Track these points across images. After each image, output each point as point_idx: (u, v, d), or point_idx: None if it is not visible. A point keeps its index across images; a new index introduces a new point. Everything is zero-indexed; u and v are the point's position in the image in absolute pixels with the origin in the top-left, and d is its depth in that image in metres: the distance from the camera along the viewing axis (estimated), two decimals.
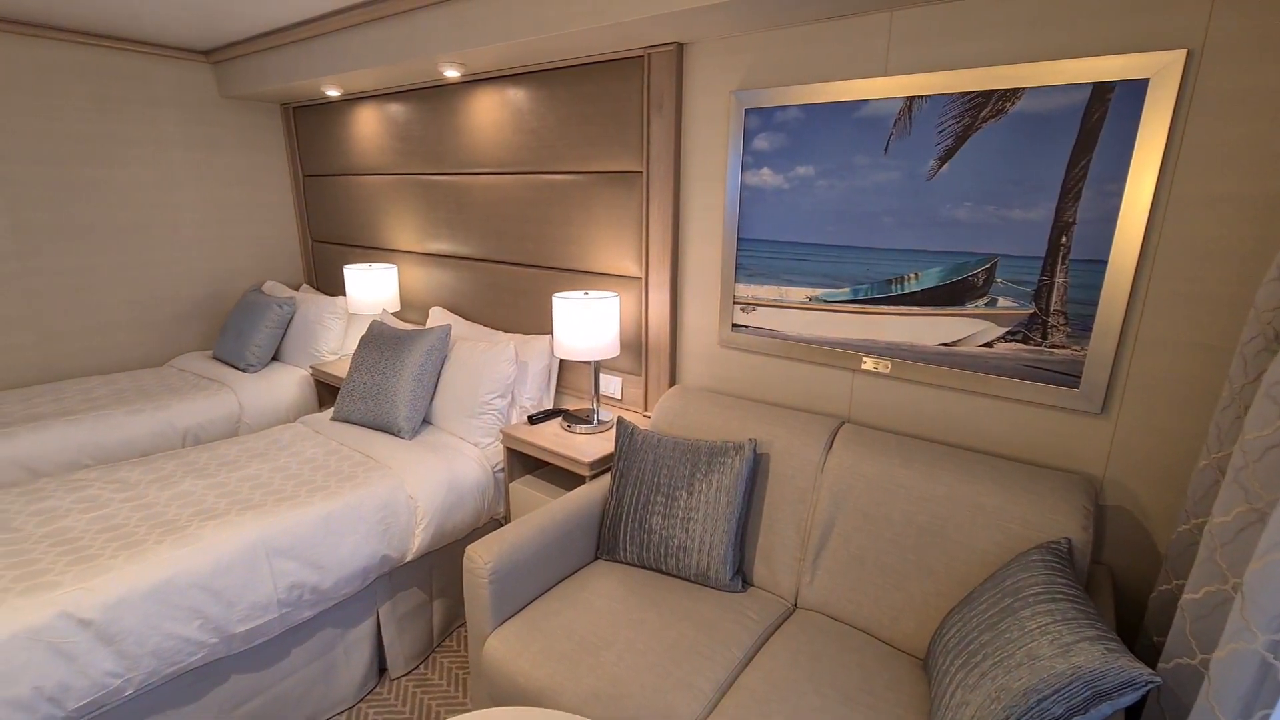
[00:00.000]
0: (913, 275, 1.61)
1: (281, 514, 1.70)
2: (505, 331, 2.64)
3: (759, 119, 1.77)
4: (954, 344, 1.59)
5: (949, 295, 1.57)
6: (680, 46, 1.89)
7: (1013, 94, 1.40)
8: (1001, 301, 1.50)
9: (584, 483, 1.99)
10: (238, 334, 2.99)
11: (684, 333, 2.14)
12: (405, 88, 2.78)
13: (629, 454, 1.80)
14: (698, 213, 2.00)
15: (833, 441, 1.68)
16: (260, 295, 3.12)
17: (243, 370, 2.91)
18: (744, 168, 1.83)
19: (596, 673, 1.36)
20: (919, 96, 1.51)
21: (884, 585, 1.50)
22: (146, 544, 1.53)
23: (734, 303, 1.96)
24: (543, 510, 1.71)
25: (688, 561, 1.65)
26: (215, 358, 3.08)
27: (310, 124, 3.38)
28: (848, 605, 1.55)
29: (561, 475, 2.22)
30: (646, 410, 2.26)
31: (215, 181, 3.31)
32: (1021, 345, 1.50)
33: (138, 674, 1.40)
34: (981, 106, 1.44)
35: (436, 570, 2.11)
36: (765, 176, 1.80)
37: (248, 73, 3.01)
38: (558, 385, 2.51)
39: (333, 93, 2.97)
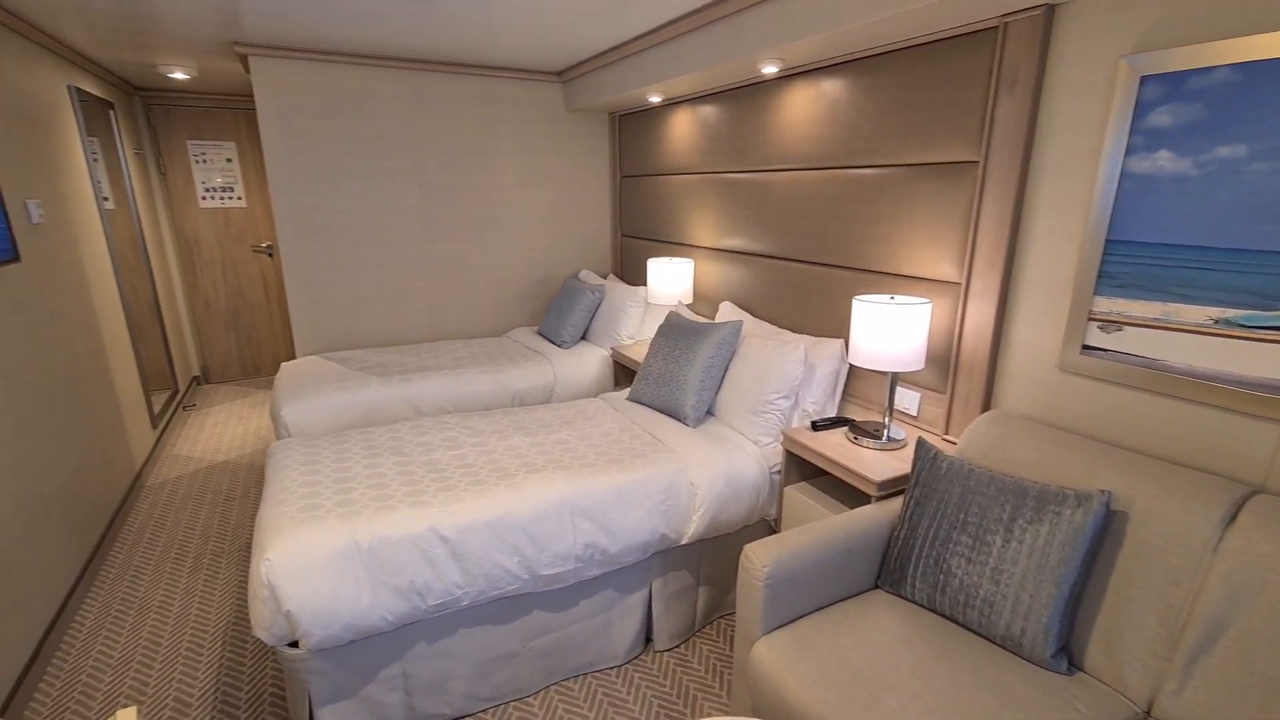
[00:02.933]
0: None
1: (585, 479, 1.91)
2: (793, 331, 2.58)
3: (1162, 88, 1.39)
4: None
5: None
6: (1050, 9, 1.58)
7: None
8: None
9: (869, 502, 1.83)
10: (558, 314, 3.47)
11: (1009, 350, 1.82)
12: (719, 89, 2.88)
13: (929, 480, 1.59)
14: (1047, 209, 1.67)
15: (1236, 515, 1.26)
16: (577, 282, 3.57)
17: (559, 346, 3.37)
18: (1129, 151, 1.46)
19: (875, 716, 1.24)
20: None
21: None
22: (488, 484, 1.86)
23: (1088, 319, 1.59)
24: (824, 524, 1.62)
25: (994, 619, 1.40)
26: (539, 333, 3.63)
27: (631, 130, 3.74)
28: None
29: (841, 488, 2.08)
30: (948, 433, 1.99)
31: (555, 183, 3.88)
32: None
33: (473, 590, 1.71)
34: None
35: (705, 558, 2.17)
36: (1162, 161, 1.41)
37: (588, 87, 3.44)
38: (844, 393, 2.36)
39: (654, 99, 3.23)
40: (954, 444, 1.96)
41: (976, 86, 1.78)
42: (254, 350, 5.11)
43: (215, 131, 4.66)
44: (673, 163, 3.35)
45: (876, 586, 1.67)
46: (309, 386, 2.74)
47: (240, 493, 3.19)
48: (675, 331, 2.55)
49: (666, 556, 2.07)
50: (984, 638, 1.45)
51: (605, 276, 4.04)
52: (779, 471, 2.17)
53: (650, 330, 3.32)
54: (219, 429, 4.05)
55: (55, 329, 2.52)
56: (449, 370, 2.98)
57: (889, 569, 1.62)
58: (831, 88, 2.28)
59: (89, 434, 2.71)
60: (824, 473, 2.18)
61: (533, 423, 2.36)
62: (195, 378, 4.92)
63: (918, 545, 1.56)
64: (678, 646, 2.14)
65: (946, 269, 1.94)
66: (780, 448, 2.19)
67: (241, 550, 2.70)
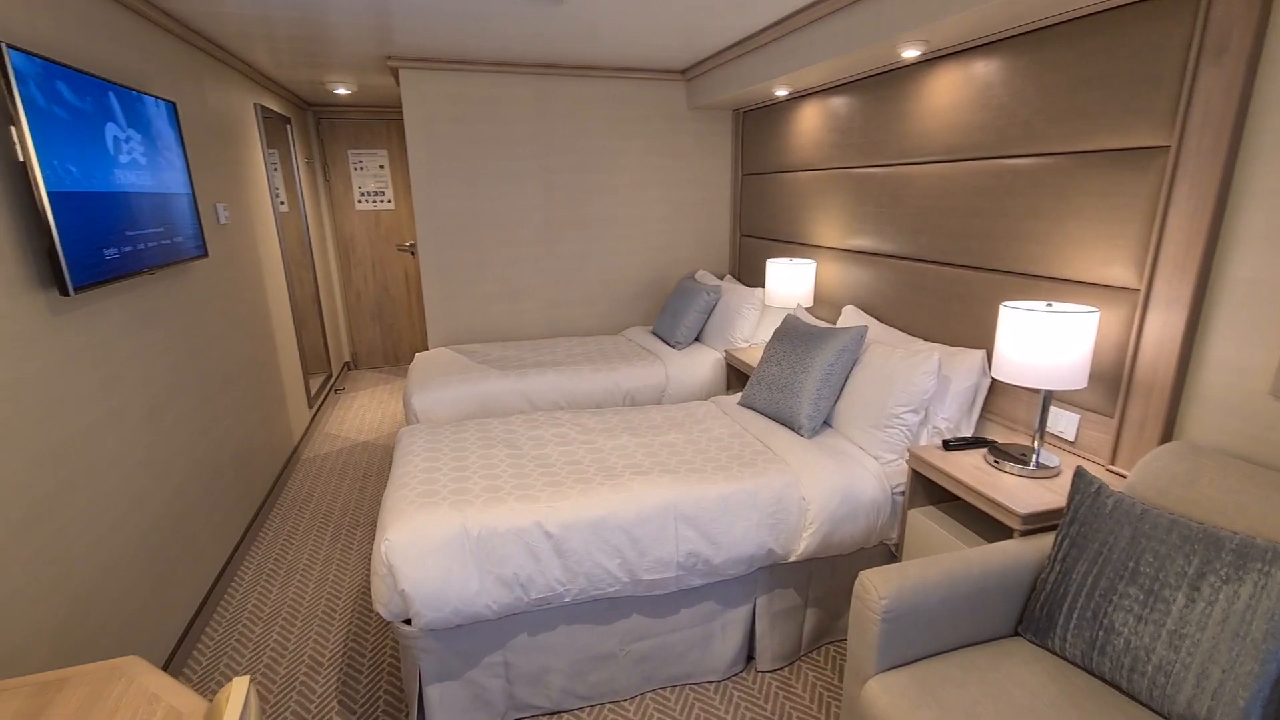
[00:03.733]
0: None
1: (691, 485, 1.85)
2: (925, 340, 2.35)
3: None
4: None
5: None
6: None
7: None
8: None
9: (1009, 536, 1.62)
10: (673, 314, 3.44)
11: (1201, 370, 1.53)
12: (850, 79, 2.70)
13: (1089, 518, 1.37)
14: (1263, 201, 1.37)
15: None
16: (693, 282, 3.52)
17: (672, 346, 3.34)
18: None
19: None
20: None
21: None
22: (594, 483, 1.85)
23: None
24: (956, 557, 1.44)
25: (1171, 693, 1.17)
26: (653, 333, 3.62)
27: (754, 126, 3.63)
28: None
29: (976, 517, 1.86)
30: (1114, 464, 1.71)
31: (674, 182, 3.85)
32: None
33: (573, 587, 1.71)
34: None
35: (815, 578, 2.03)
36: None
37: (711, 84, 3.37)
38: (984, 410, 2.12)
39: (780, 92, 3.09)
40: (1122, 477, 1.68)
41: (1170, 58, 1.51)
42: (395, 340, 5.56)
43: (371, 141, 5.12)
44: (797, 159, 3.19)
45: (1016, 634, 1.46)
46: (437, 377, 2.91)
47: (375, 471, 3.47)
48: (793, 335, 2.42)
49: (773, 572, 1.96)
50: (1153, 711, 1.21)
51: (722, 277, 3.95)
52: (902, 492, 1.99)
53: (766, 333, 3.19)
54: (363, 411, 4.45)
55: (234, 317, 2.87)
56: (564, 366, 3.05)
57: (1033, 616, 1.42)
58: (983, 69, 2.04)
59: (257, 410, 3.07)
60: (955, 498, 1.96)
61: (642, 423, 2.34)
62: (346, 363, 5.45)
63: (1071, 592, 1.34)
64: (781, 669, 2.02)
65: (1120, 273, 1.67)
66: (905, 466, 2.00)
67: (373, 525, 2.93)
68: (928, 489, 1.95)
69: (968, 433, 2.08)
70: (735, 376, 3.19)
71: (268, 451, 3.18)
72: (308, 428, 3.97)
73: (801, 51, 2.51)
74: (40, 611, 1.44)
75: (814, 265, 2.96)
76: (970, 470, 1.76)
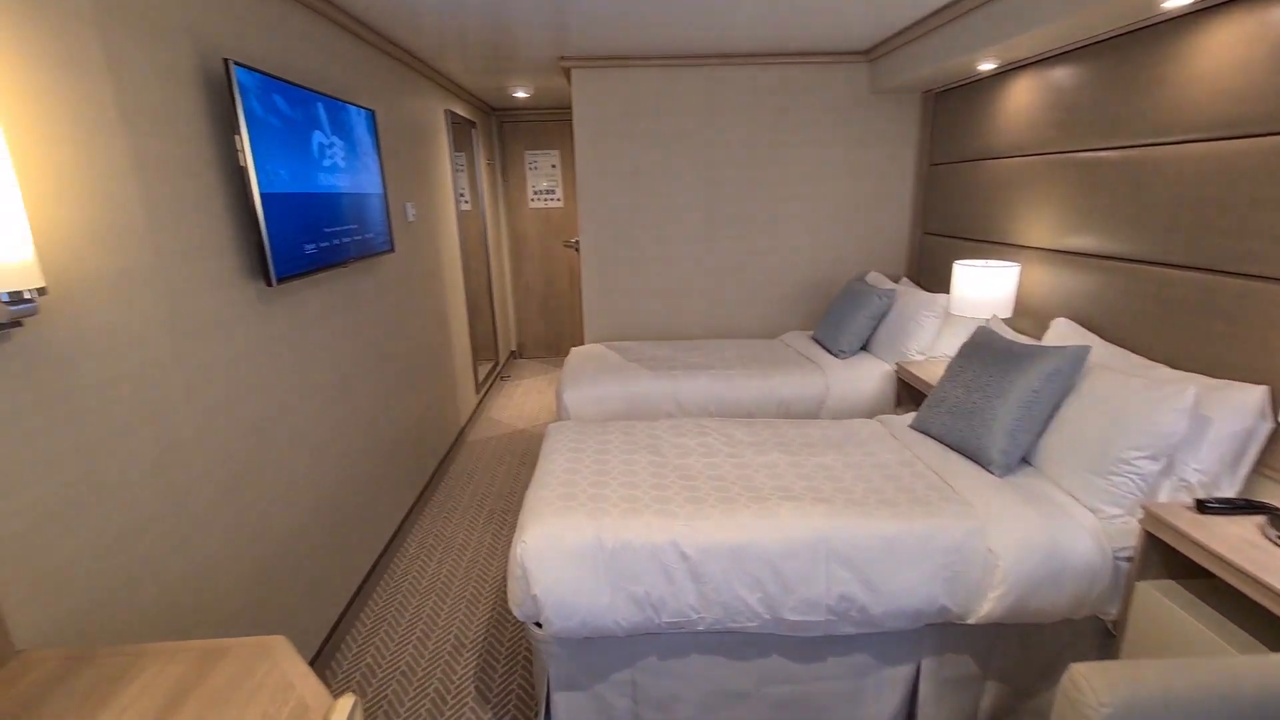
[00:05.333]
0: None
1: (849, 518, 1.62)
2: (1170, 366, 1.86)
3: None
4: None
5: None
6: None
7: None
8: None
9: None
10: (838, 319, 3.14)
11: None
12: (1081, 43, 2.22)
13: None
14: None
15: None
16: (863, 284, 3.19)
17: (834, 355, 3.05)
18: None
19: None
20: None
21: None
22: (737, 504, 1.70)
23: None
24: (1216, 664, 1.08)
25: None
26: (814, 338, 3.34)
27: (949, 108, 3.19)
28: None
29: (1240, 606, 1.41)
30: None
31: (848, 175, 3.53)
32: None
33: (708, 616, 1.57)
34: None
35: (999, 647, 1.69)
36: None
37: (900, 63, 3.01)
38: (1256, 464, 1.62)
39: (986, 66, 2.66)
40: None
41: None
42: (558, 332, 5.81)
43: (546, 141, 5.36)
44: (1002, 143, 2.73)
45: None
46: (588, 373, 2.93)
47: (529, 459, 3.60)
48: (985, 352, 2.05)
49: (944, 633, 1.66)
50: None
51: (897, 280, 3.55)
52: (1129, 558, 1.58)
53: (948, 346, 2.78)
54: (524, 399, 4.68)
55: (414, 306, 3.12)
56: (716, 370, 2.91)
57: None
58: None
59: (431, 393, 3.32)
60: (1208, 574, 1.51)
61: (796, 439, 2.13)
62: (513, 352, 5.79)
63: None
64: None
65: None
66: (1135, 526, 1.58)
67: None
68: (1167, 558, 1.53)
69: (1232, 492, 1.60)
70: (907, 393, 2.83)
71: (438, 431, 3.43)
72: (474, 411, 4.25)
73: (1022, 12, 2.11)
74: (235, 569, 1.62)
75: (1016, 269, 2.51)
76: (1238, 543, 1.34)
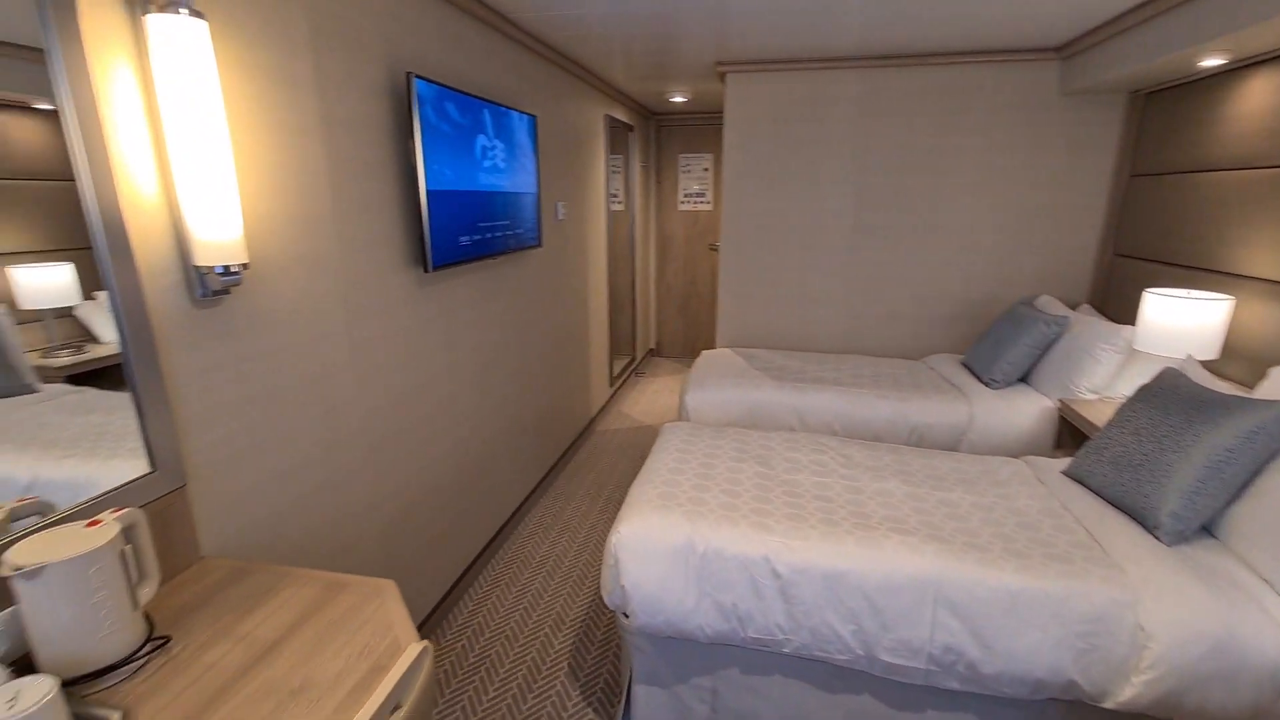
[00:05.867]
0: None
1: (966, 563, 1.48)
2: None
3: None
4: None
5: None
6: None
7: None
8: None
9: None
10: (994, 345, 2.84)
11: None
12: None
13: None
14: None
15: None
16: (1029, 309, 2.85)
17: (985, 383, 2.76)
18: None
19: None
20: None
21: None
22: (840, 528, 1.62)
23: None
24: None
25: None
26: (963, 364, 3.05)
27: (1161, 112, 2.75)
28: None
29: None
30: None
31: (1026, 184, 3.17)
32: None
33: (795, 640, 1.52)
34: None
35: None
36: None
37: (1101, 59, 2.65)
38: None
39: (1212, 62, 2.26)
40: None
41: None
42: (695, 333, 5.85)
43: (700, 145, 5.42)
44: (1228, 153, 2.30)
45: None
46: (713, 377, 2.93)
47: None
48: (1169, 396, 1.75)
49: (1072, 711, 1.45)
50: None
51: (1075, 306, 3.12)
52: None
53: (1126, 386, 2.40)
54: (655, 397, 4.78)
55: (556, 299, 3.32)
56: (845, 387, 2.77)
57: None
58: None
59: (565, 381, 3.52)
60: None
61: (920, 469, 1.97)
62: (650, 350, 5.93)
63: None
64: None
65: None
66: None
67: None
68: None
69: None
70: (1069, 435, 2.49)
71: (568, 419, 3.63)
72: (606, 403, 4.43)
73: None
74: (371, 520, 1.85)
75: (1229, 303, 2.11)
76: None
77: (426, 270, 1.97)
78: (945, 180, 3.25)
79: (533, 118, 2.73)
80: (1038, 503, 1.77)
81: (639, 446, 3.83)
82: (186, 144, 1.15)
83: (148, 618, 1.03)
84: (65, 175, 1.02)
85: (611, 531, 1.66)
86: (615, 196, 4.99)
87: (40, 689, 0.80)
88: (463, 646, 2.14)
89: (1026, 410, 2.55)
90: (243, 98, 1.33)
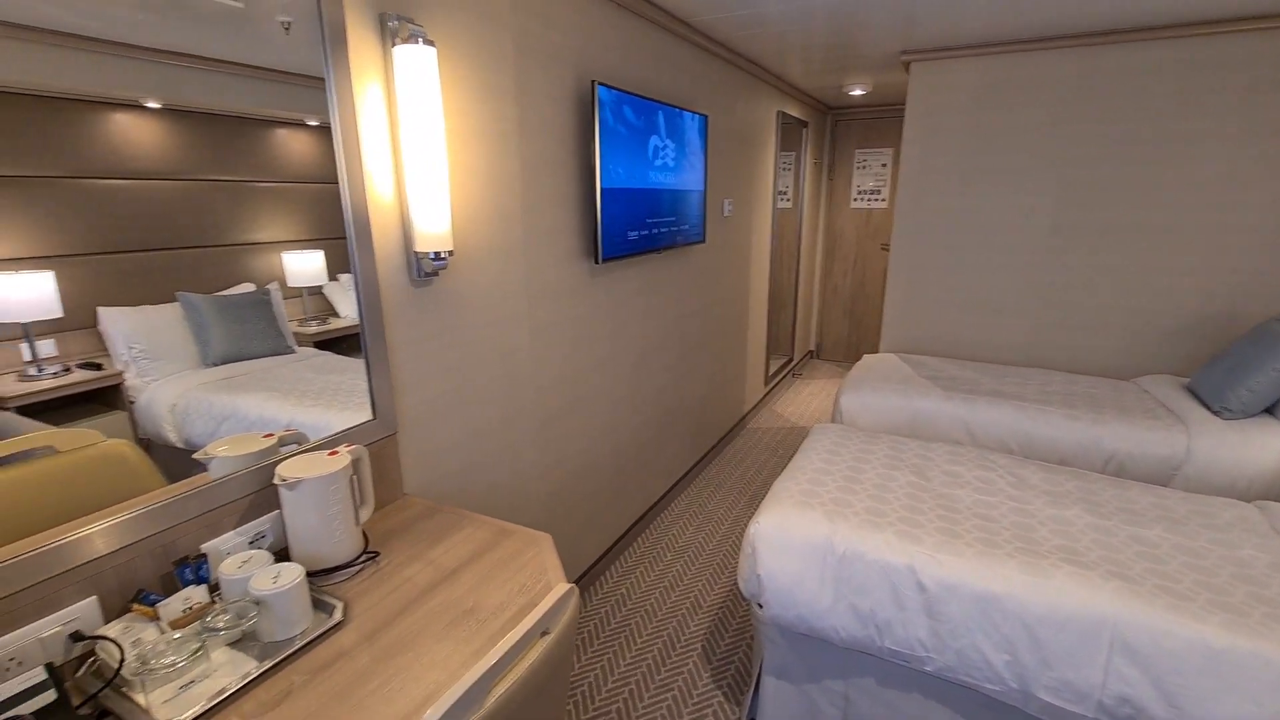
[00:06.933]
0: None
1: (1155, 607, 1.30)
2: None
3: None
4: None
5: None
6: None
7: None
8: None
9: None
10: (1230, 368, 2.39)
11: None
12: None
13: None
14: None
15: None
16: None
17: (1214, 412, 2.33)
18: None
19: None
20: None
21: None
22: (999, 549, 1.50)
23: None
24: None
25: None
26: (1187, 387, 2.60)
27: None
28: None
29: None
30: None
31: None
32: None
33: (938, 660, 1.44)
34: None
35: None
36: None
37: None
38: None
39: None
40: None
41: None
42: (860, 337, 5.58)
43: (878, 139, 5.15)
44: None
45: None
46: (873, 381, 2.81)
47: None
48: None
49: None
50: None
51: None
52: None
53: None
54: (810, 399, 4.66)
55: (716, 294, 3.39)
56: (1027, 403, 2.50)
57: None
58: None
59: (719, 375, 3.58)
60: None
61: (1111, 500, 1.75)
62: (810, 351, 5.77)
63: None
64: None
65: None
66: None
67: None
68: None
69: None
70: None
71: (720, 413, 3.68)
72: (759, 402, 4.41)
73: None
74: (536, 487, 2.06)
75: None
76: None
77: (596, 262, 2.14)
78: (1177, 174, 2.78)
79: (704, 117, 2.81)
80: (1268, 556, 1.49)
81: (789, 447, 3.77)
82: (416, 150, 1.39)
83: (364, 535, 1.27)
84: (324, 178, 1.29)
85: (751, 522, 1.69)
86: (784, 194, 4.92)
87: (294, 572, 1.04)
88: (606, 613, 2.30)
89: (1266, 446, 2.12)
90: (456, 109, 1.56)
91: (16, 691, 0.82)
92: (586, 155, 2.12)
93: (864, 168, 5.27)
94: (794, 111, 4.37)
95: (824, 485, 1.80)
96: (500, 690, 0.76)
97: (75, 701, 0.86)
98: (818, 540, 1.57)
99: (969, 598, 1.41)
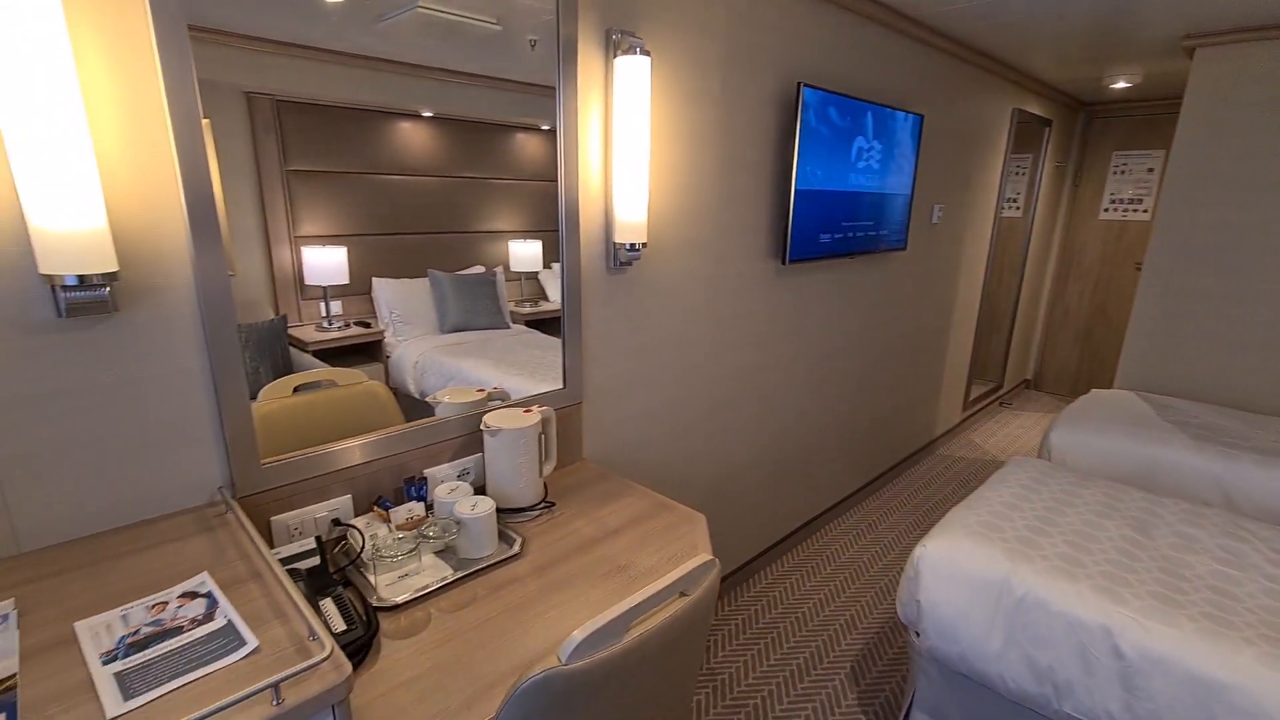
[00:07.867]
0: None
1: None
2: None
3: None
4: None
5: None
6: None
7: None
8: None
9: None
10: None
11: None
12: None
13: None
14: None
15: None
16: None
17: None
18: None
19: None
20: None
21: None
22: (1236, 635, 1.24)
23: None
24: None
25: None
26: None
27: None
28: None
29: None
30: None
31: None
32: None
33: None
34: None
35: None
36: None
37: None
38: None
39: None
40: None
41: None
42: (1093, 370, 4.80)
43: (1146, 140, 4.37)
44: None
45: None
46: (1097, 420, 2.44)
47: None
48: None
49: None
50: None
51: None
52: None
53: None
54: (1020, 433, 4.14)
55: (912, 306, 3.17)
56: None
57: None
58: None
59: (908, 393, 3.35)
60: None
61: None
62: (1025, 380, 5.10)
63: None
64: None
65: None
66: None
67: None
68: None
69: None
70: None
71: (905, 433, 3.45)
72: (953, 428, 4.03)
73: None
74: (703, 470, 2.14)
75: None
76: None
77: (783, 262, 2.15)
78: None
79: (919, 117, 2.65)
80: None
81: (982, 481, 3.39)
82: (624, 150, 1.54)
83: (545, 486, 1.46)
84: (545, 176, 1.49)
85: (918, 544, 1.60)
86: (1012, 201, 4.41)
87: (488, 505, 1.24)
88: (756, 610, 2.31)
89: None
90: (662, 111, 1.69)
91: (296, 552, 1.10)
92: (784, 156, 2.14)
93: (1122, 172, 4.51)
94: (1035, 108, 3.89)
95: (1010, 521, 1.63)
96: (636, 632, 0.85)
97: (331, 569, 1.12)
98: (994, 577, 1.44)
99: (1182, 678, 1.19)
